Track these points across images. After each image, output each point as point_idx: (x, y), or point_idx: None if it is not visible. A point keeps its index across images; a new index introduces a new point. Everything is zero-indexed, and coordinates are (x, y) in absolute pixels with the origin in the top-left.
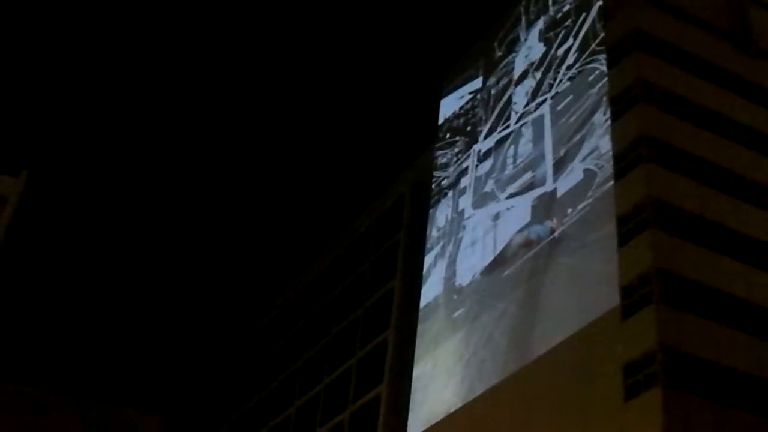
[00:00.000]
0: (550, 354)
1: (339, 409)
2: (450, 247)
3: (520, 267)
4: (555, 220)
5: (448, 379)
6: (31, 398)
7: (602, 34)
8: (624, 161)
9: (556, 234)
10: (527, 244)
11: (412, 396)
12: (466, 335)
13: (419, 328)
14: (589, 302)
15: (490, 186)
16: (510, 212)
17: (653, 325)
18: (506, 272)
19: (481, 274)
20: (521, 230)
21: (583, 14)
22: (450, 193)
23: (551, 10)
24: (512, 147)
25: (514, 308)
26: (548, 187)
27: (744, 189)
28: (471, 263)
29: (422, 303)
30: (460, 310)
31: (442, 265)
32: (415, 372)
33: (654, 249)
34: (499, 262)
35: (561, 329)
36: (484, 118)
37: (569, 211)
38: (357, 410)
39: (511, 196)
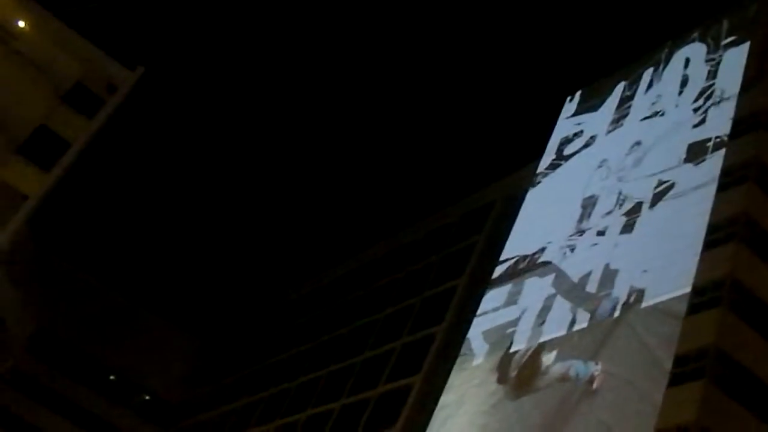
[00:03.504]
0: None
1: (369, 387)
2: None
3: (548, 396)
4: (600, 366)
5: None
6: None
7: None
8: (717, 233)
9: (595, 385)
10: (563, 378)
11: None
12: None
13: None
14: None
15: None
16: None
17: (715, 326)
18: (533, 394)
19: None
20: (564, 358)
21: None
22: None
23: (692, 67)
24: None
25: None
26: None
27: None
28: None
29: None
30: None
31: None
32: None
33: (731, 259)
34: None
35: None
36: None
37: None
38: (386, 393)
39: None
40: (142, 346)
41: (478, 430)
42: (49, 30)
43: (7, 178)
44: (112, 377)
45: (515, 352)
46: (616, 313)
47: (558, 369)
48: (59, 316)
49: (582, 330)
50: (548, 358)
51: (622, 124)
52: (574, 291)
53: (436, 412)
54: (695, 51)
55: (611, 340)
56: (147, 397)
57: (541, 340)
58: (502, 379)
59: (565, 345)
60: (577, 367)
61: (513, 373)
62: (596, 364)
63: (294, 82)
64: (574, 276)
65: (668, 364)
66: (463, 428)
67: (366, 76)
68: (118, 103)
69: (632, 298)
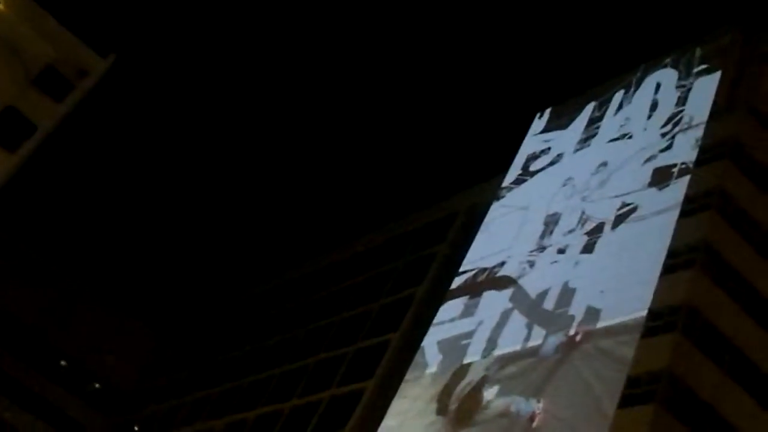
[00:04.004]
0: None
1: (321, 389)
2: None
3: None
4: (541, 405)
5: None
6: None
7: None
8: (676, 259)
9: (535, 424)
10: (503, 414)
11: None
12: None
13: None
14: None
15: None
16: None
17: (669, 351)
18: (472, 428)
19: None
20: (506, 394)
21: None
22: None
23: (662, 91)
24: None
25: None
26: None
27: None
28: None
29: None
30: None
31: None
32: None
33: (690, 286)
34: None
35: None
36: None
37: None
38: (337, 396)
39: None
40: (97, 334)
41: None
42: (24, 11)
43: None
44: (63, 363)
45: (457, 384)
46: (560, 353)
47: (499, 404)
48: (15, 299)
49: (527, 364)
50: (490, 393)
51: (589, 144)
52: (531, 307)
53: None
54: (667, 76)
55: (555, 378)
56: (97, 386)
57: (496, 353)
58: (442, 411)
59: (508, 379)
60: (518, 403)
61: (453, 406)
62: (538, 402)
63: (262, 79)
64: (532, 292)
65: (611, 410)
66: None
67: (338, 78)
68: (88, 88)
69: (579, 337)
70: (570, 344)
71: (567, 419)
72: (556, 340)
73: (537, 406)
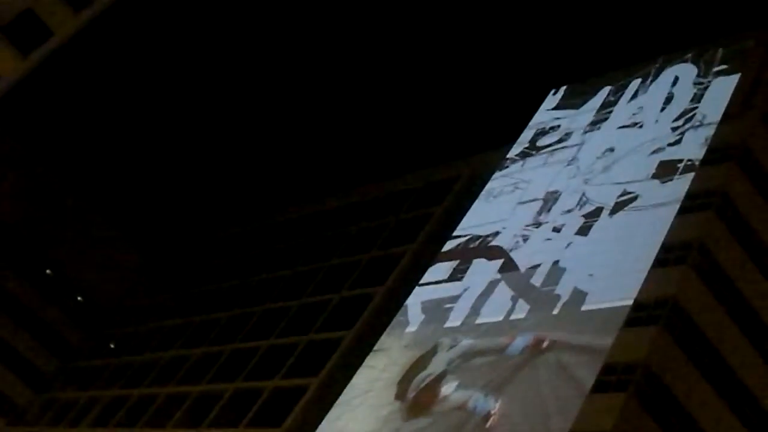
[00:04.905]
0: None
1: (299, 332)
2: None
3: (441, 421)
4: (498, 405)
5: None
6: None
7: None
8: (669, 254)
9: (489, 423)
10: (460, 407)
11: None
12: None
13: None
14: None
15: None
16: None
17: (648, 343)
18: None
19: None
20: (465, 388)
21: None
22: None
23: (679, 86)
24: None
25: None
26: None
27: None
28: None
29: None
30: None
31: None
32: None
33: (678, 282)
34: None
35: None
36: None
37: None
38: (314, 342)
39: None
40: (84, 247)
41: None
42: None
43: None
44: (48, 272)
45: (417, 373)
46: (526, 355)
47: (457, 397)
48: (6, 200)
49: (491, 361)
50: (448, 388)
51: (599, 128)
52: (518, 281)
53: (345, 391)
54: (686, 71)
55: (516, 381)
56: (80, 299)
57: (477, 322)
58: (399, 396)
59: (470, 373)
60: (476, 399)
61: (411, 395)
62: (496, 401)
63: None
64: (522, 266)
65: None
66: (357, 424)
67: (352, 26)
68: (108, 2)
69: (545, 344)
70: (536, 348)
71: (518, 426)
72: (523, 341)
73: (494, 405)
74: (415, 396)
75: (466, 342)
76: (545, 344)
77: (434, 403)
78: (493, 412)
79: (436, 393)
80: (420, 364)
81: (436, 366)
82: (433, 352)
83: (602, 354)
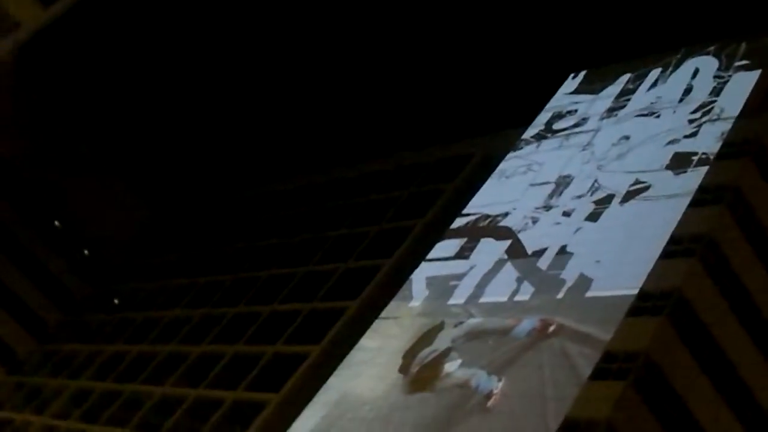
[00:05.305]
0: None
1: (303, 300)
2: None
3: (442, 398)
4: (500, 385)
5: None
6: None
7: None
8: (677, 246)
9: (490, 403)
10: (463, 385)
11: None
12: None
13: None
14: None
15: None
16: None
17: (650, 333)
18: (428, 393)
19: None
20: (468, 366)
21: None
22: None
23: (699, 78)
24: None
25: None
26: None
27: None
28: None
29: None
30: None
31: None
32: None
33: (685, 275)
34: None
35: None
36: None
37: None
38: (318, 310)
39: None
40: (95, 202)
41: (370, 408)
42: None
43: (5, 2)
44: (57, 223)
45: (422, 348)
46: (532, 338)
47: (460, 375)
48: (18, 149)
49: (497, 341)
50: (452, 365)
51: (616, 115)
52: (525, 263)
53: (351, 355)
54: (707, 64)
55: (519, 363)
56: (87, 252)
57: (481, 300)
58: (403, 370)
59: (474, 352)
60: (479, 377)
61: (414, 369)
62: (498, 380)
63: None
64: (530, 248)
65: (554, 422)
66: (360, 390)
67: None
68: None
69: (552, 328)
70: (542, 332)
71: (518, 409)
72: (530, 324)
73: (497, 385)
74: (419, 371)
75: (472, 321)
76: (552, 329)
77: (437, 379)
78: (495, 391)
79: (440, 369)
80: (425, 339)
81: (441, 342)
82: (439, 328)
83: (602, 346)
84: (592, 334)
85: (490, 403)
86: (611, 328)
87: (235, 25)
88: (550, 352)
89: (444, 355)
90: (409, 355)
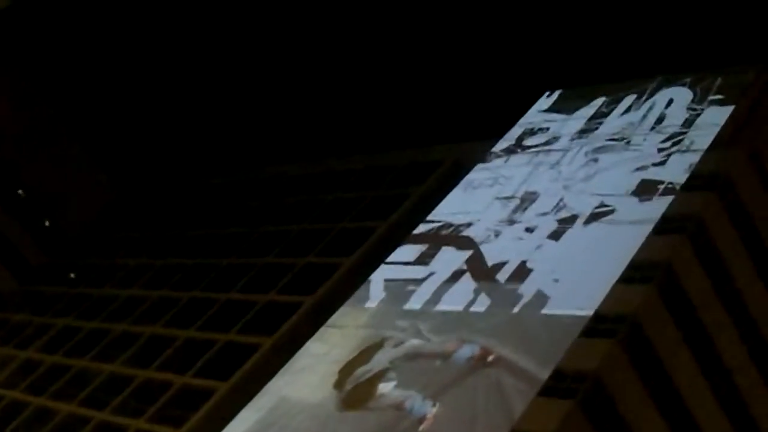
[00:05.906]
0: None
1: (260, 291)
2: None
3: (374, 418)
4: (434, 410)
5: None
6: None
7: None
8: (635, 272)
9: (422, 427)
10: (396, 407)
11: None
12: None
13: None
14: None
15: None
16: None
17: (601, 355)
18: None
19: None
20: (404, 388)
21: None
22: None
23: (673, 108)
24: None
25: None
26: None
27: None
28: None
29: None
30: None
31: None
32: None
33: (641, 301)
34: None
35: None
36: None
37: None
38: (273, 303)
39: None
40: (60, 174)
41: (303, 418)
42: None
43: None
44: (20, 192)
45: (359, 366)
46: (470, 364)
47: (395, 396)
48: None
49: (435, 365)
50: (387, 386)
51: (587, 137)
52: (484, 274)
53: (293, 359)
54: (681, 94)
55: (455, 389)
56: (47, 223)
57: (436, 309)
58: (338, 386)
59: (411, 373)
60: (414, 400)
61: (349, 386)
62: (433, 405)
63: None
64: (490, 261)
65: None
66: (296, 394)
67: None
68: None
69: (491, 358)
70: (480, 360)
71: None
72: (469, 350)
73: (431, 410)
74: (353, 388)
75: (412, 342)
76: (490, 358)
77: (371, 398)
78: (429, 416)
79: (374, 389)
80: (363, 357)
81: (378, 362)
82: (378, 346)
83: (539, 384)
84: (529, 371)
85: (422, 426)
86: (551, 364)
87: (214, 12)
88: (487, 382)
89: (380, 375)
90: (345, 371)
